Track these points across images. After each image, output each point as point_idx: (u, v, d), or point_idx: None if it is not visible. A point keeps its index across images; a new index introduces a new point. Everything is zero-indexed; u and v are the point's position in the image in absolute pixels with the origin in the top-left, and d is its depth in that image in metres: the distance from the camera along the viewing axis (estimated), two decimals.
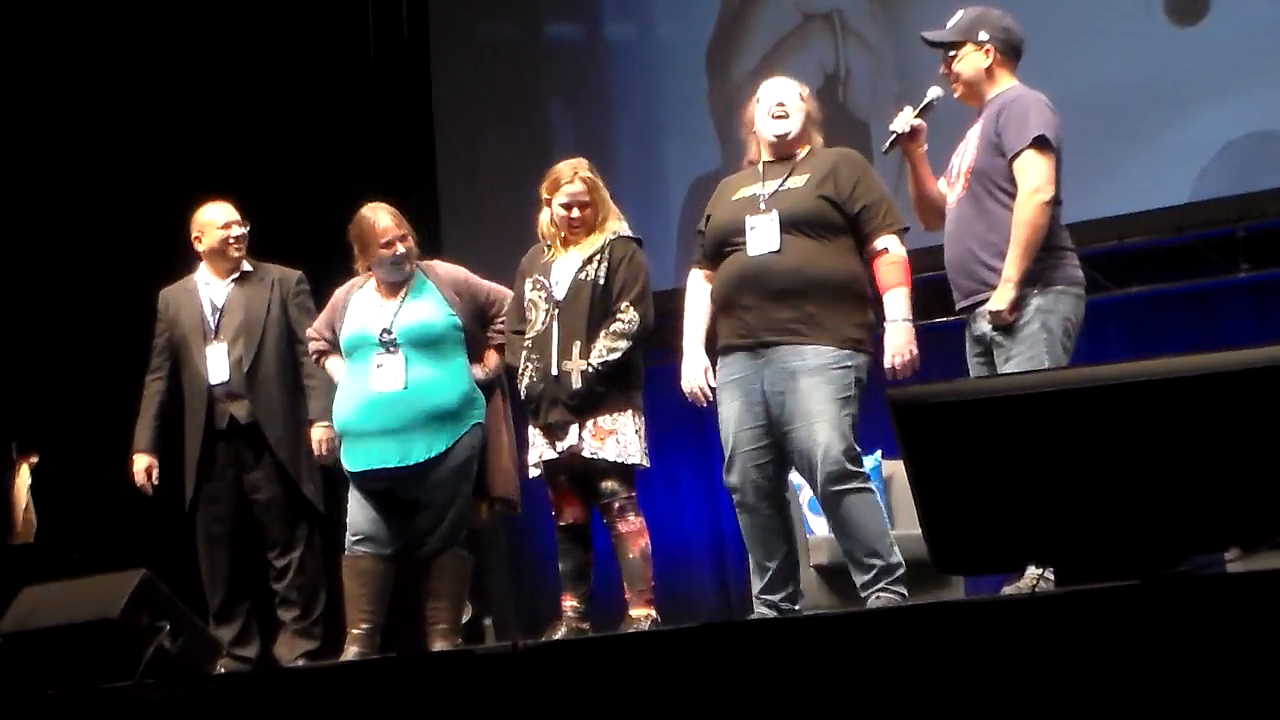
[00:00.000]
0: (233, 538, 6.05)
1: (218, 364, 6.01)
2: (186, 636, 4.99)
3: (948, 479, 3.13)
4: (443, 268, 5.81)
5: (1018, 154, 4.86)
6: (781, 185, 5.12)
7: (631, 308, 5.47)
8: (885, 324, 5.05)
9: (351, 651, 5.50)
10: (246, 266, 6.17)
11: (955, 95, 5.14)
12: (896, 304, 5.04)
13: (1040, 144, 4.85)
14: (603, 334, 5.44)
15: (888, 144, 5.15)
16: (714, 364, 5.22)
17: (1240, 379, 2.92)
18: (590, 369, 5.39)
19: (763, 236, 5.05)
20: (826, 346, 4.96)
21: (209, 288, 6.15)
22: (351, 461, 5.58)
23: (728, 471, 5.11)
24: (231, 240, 6.12)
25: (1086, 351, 5.05)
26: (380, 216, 5.64)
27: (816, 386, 4.93)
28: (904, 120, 5.09)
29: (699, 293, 5.28)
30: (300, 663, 5.84)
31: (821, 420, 4.92)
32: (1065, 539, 3.10)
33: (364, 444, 5.54)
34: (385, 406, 5.51)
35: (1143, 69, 7.38)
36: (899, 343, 5.01)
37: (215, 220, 6.15)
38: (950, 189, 5.09)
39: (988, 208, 4.92)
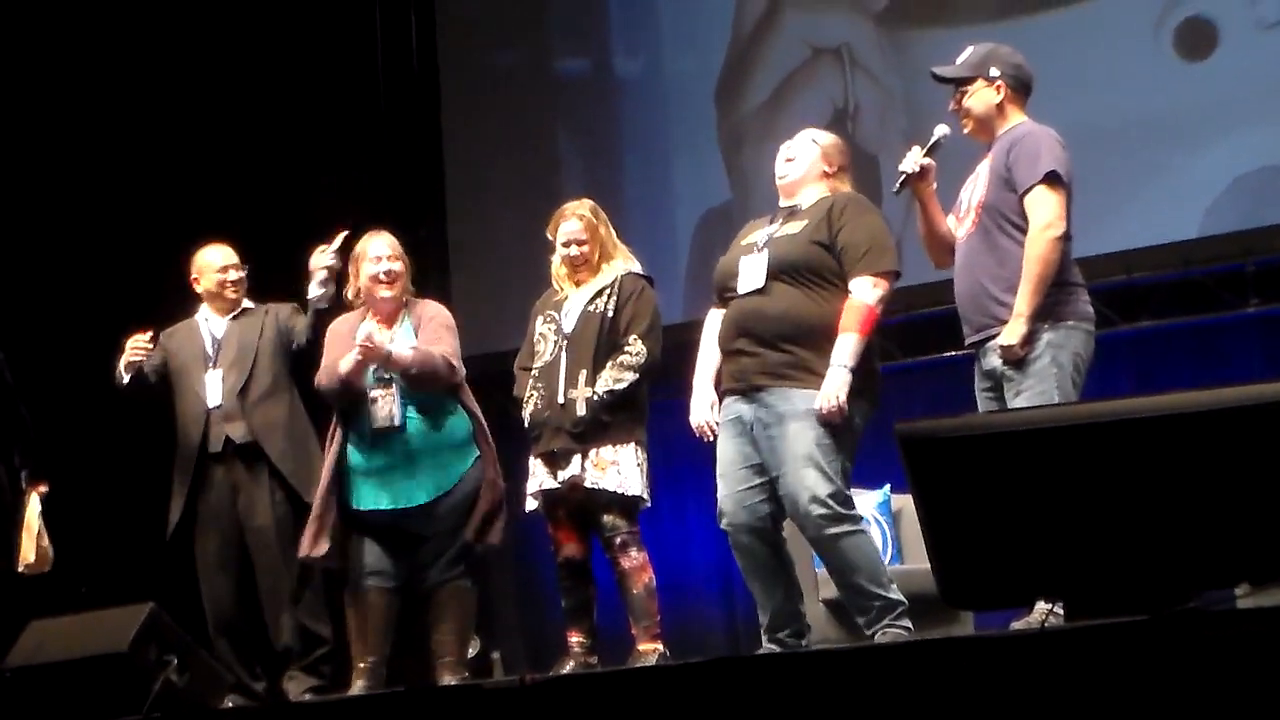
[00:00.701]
0: (233, 566, 6.01)
1: (214, 389, 6.02)
2: (194, 671, 4.98)
3: (956, 514, 3.13)
4: (431, 309, 5.78)
5: (1029, 189, 4.85)
6: (780, 230, 5.13)
7: (640, 340, 5.50)
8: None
9: (358, 686, 5.48)
10: (247, 304, 6.21)
11: (965, 131, 5.14)
12: (841, 349, 4.91)
13: (1052, 179, 4.85)
14: (610, 364, 5.46)
15: (898, 185, 5.15)
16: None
17: (1249, 414, 2.92)
18: (595, 397, 5.41)
19: (750, 276, 5.05)
20: (816, 391, 4.90)
21: (209, 323, 6.18)
22: (357, 501, 5.56)
23: (721, 513, 5.08)
24: (229, 283, 6.18)
25: (1095, 386, 5.03)
26: (374, 241, 5.70)
27: (803, 431, 4.89)
28: (913, 160, 5.10)
29: (713, 331, 5.27)
30: (307, 698, 5.82)
31: (808, 465, 4.87)
32: (1075, 574, 3.10)
33: (370, 483, 5.53)
34: (389, 444, 5.51)
35: (1152, 104, 7.39)
36: (829, 389, 4.87)
37: (213, 263, 6.20)
38: (959, 224, 5.09)
39: (998, 243, 4.91)
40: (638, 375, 5.47)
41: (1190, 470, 2.95)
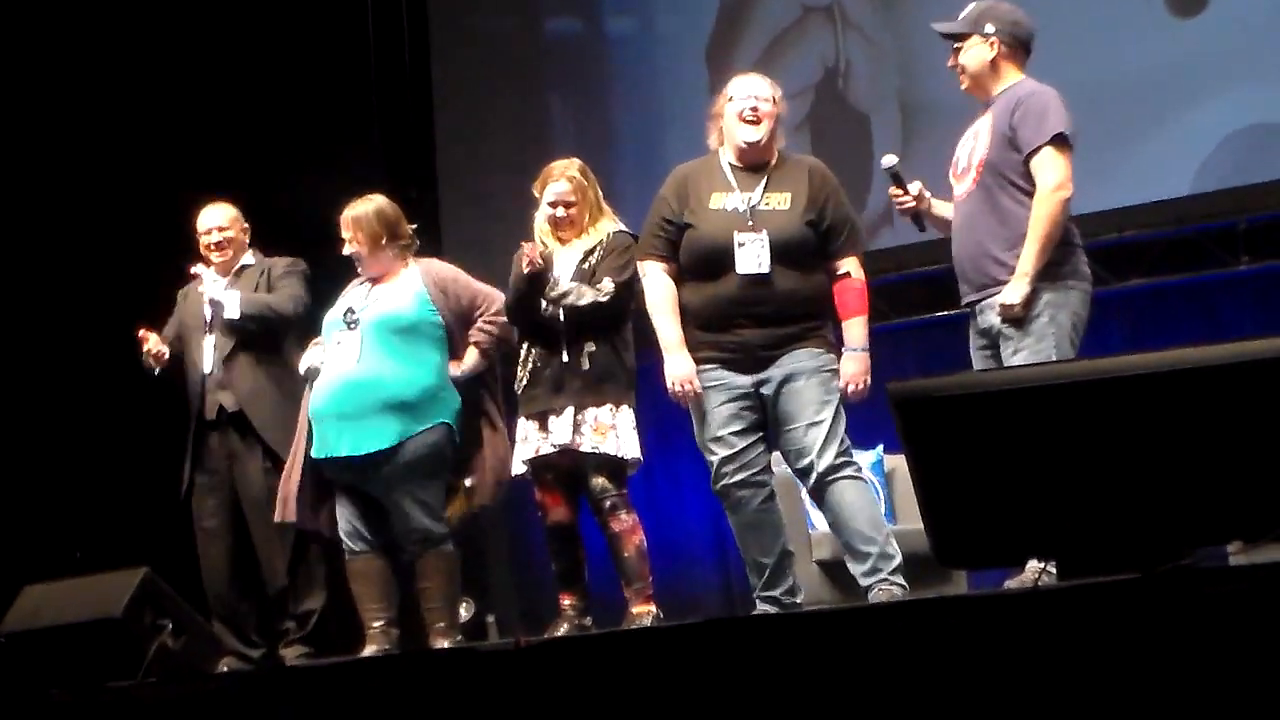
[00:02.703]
0: (229, 533, 6.02)
1: (209, 355, 6.02)
2: (189, 635, 5.00)
3: (949, 473, 3.13)
4: (436, 265, 5.77)
5: (1036, 150, 4.87)
6: (763, 202, 5.12)
7: (610, 281, 5.44)
8: (844, 350, 5.11)
9: (370, 649, 5.49)
10: (249, 260, 6.19)
11: (962, 88, 5.15)
12: (855, 332, 5.12)
13: (1059, 141, 4.87)
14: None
15: (917, 226, 5.27)
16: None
17: (1241, 371, 2.92)
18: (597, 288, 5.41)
19: (751, 255, 5.05)
20: (819, 349, 5.05)
21: (214, 284, 6.16)
22: (314, 448, 5.55)
23: (717, 476, 5.11)
24: (210, 246, 6.17)
25: (1088, 344, 5.05)
26: (345, 214, 5.66)
27: (810, 388, 5.01)
28: (901, 202, 5.16)
29: (664, 287, 5.20)
30: (301, 661, 5.83)
31: (816, 422, 5.00)
32: (1067, 533, 3.10)
33: (322, 427, 5.51)
34: (343, 390, 5.47)
35: (1143, 61, 7.36)
36: (855, 371, 5.08)
37: (199, 226, 6.21)
38: (957, 182, 5.09)
39: (1000, 202, 4.93)
40: (605, 300, 5.42)
41: (1182, 428, 2.95)
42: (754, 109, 5.16)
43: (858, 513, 4.99)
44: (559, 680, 3.56)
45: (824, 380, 5.02)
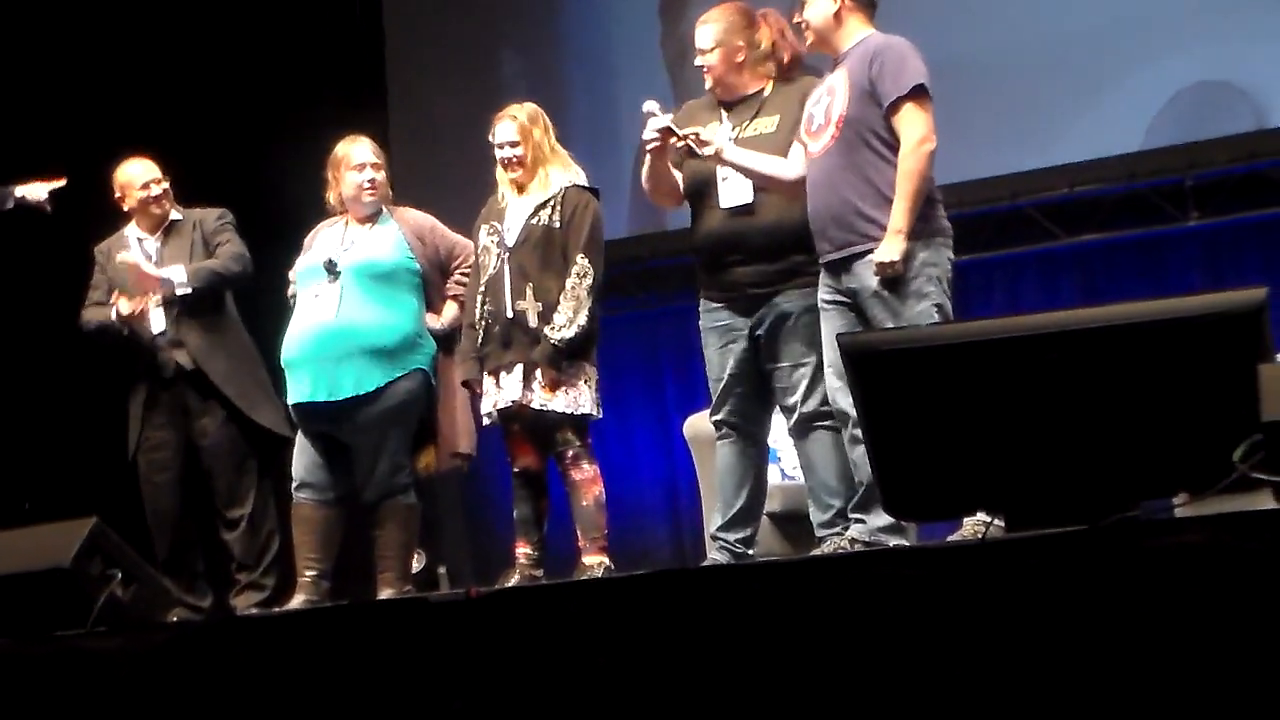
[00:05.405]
0: (177, 485, 6.02)
1: (157, 316, 5.98)
2: (138, 585, 4.97)
3: (899, 426, 3.15)
4: (411, 213, 5.80)
5: (897, 104, 4.79)
6: (751, 129, 5.12)
7: (583, 257, 5.41)
8: None
9: (299, 599, 5.50)
10: (175, 215, 6.15)
11: (806, 43, 5.11)
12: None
13: (918, 93, 4.80)
14: (561, 298, 5.38)
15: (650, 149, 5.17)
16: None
17: (1187, 325, 2.94)
18: (555, 342, 5.33)
19: (735, 189, 5.08)
20: (812, 289, 5.01)
21: (143, 243, 6.12)
22: (288, 393, 5.59)
23: (714, 410, 5.19)
24: (151, 199, 6.10)
25: (1040, 299, 5.07)
26: (356, 147, 5.67)
27: (801, 329, 5.02)
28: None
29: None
30: (253, 612, 5.83)
31: (805, 363, 5.02)
32: (1015, 485, 3.12)
33: (297, 374, 5.54)
34: (320, 338, 5.50)
35: (1094, 17, 7.38)
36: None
37: (134, 181, 6.11)
38: (812, 139, 4.96)
39: (863, 157, 4.83)
40: (591, 300, 5.40)
41: (1129, 382, 2.97)
42: (700, 57, 5.22)
43: (829, 464, 5.03)
44: (510, 631, 3.57)
45: (812, 323, 4.99)
